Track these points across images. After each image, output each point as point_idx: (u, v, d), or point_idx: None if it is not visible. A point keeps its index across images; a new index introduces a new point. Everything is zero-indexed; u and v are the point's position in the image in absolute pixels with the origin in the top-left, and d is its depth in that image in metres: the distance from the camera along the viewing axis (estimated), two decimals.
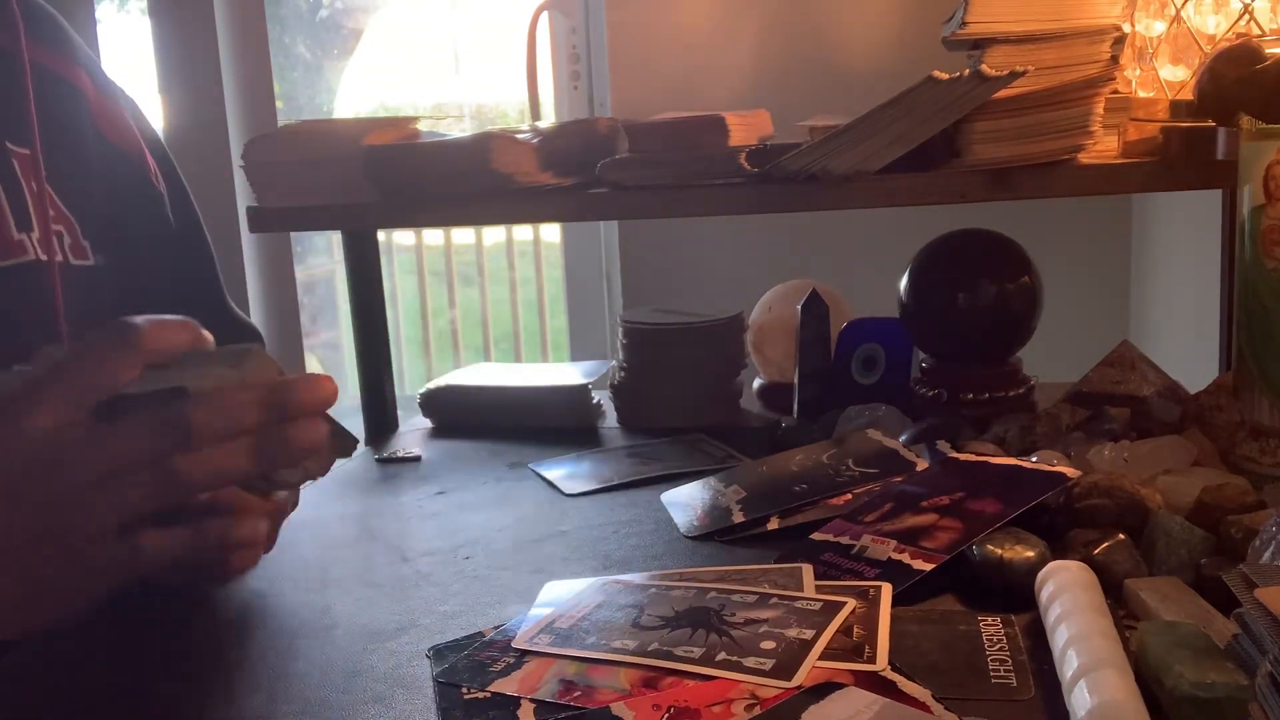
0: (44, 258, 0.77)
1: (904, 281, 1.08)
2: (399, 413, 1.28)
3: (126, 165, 0.87)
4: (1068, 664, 0.54)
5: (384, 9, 2.97)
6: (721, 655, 0.60)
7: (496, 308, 3.27)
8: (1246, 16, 0.99)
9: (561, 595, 0.71)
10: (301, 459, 0.58)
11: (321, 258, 2.92)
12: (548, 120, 1.87)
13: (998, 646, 0.62)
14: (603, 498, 0.94)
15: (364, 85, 2.90)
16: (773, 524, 0.83)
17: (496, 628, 0.67)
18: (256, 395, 0.55)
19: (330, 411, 0.58)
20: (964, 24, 0.96)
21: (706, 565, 0.75)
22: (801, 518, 0.82)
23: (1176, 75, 1.04)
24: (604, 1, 1.86)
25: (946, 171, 0.95)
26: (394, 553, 0.84)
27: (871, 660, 0.59)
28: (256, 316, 1.90)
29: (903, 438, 0.95)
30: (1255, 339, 0.82)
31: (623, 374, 1.21)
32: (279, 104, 1.87)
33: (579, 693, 0.58)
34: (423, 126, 1.16)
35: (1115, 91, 0.98)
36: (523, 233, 3.27)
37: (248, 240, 1.86)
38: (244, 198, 1.75)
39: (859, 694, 0.55)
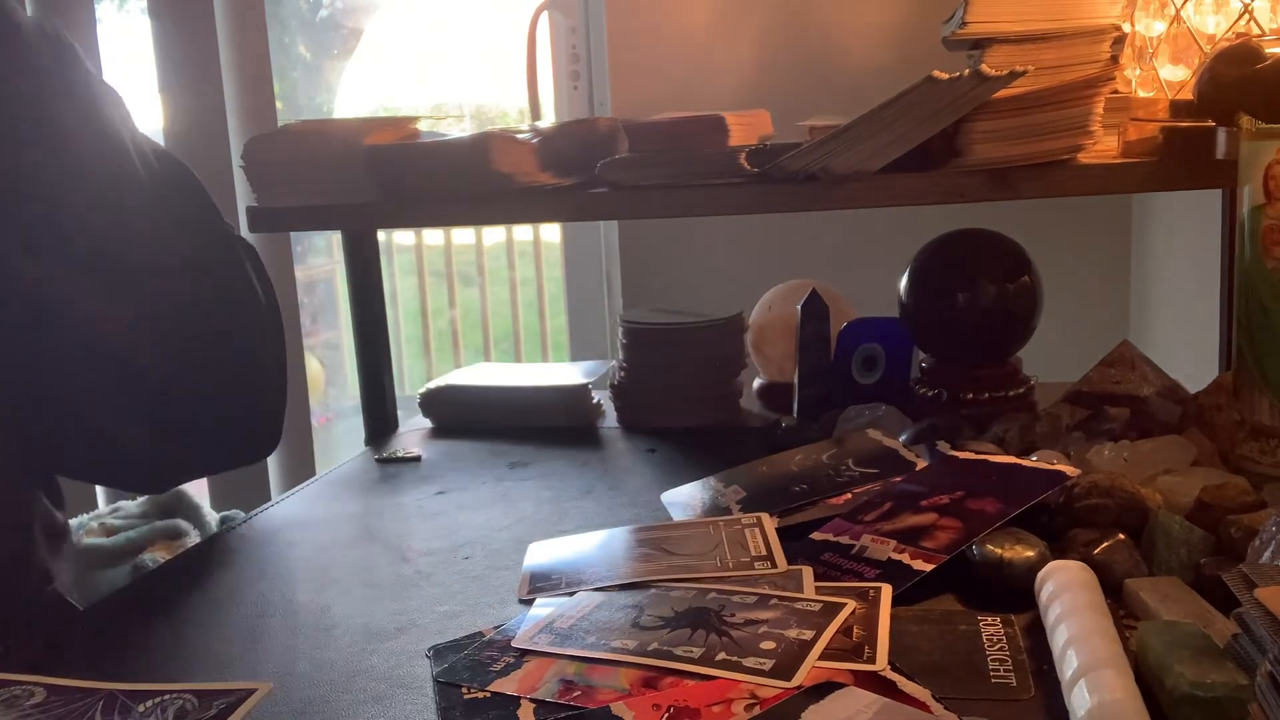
0: None
1: (904, 281, 1.08)
2: (399, 413, 1.28)
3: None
4: (1068, 664, 0.54)
5: (384, 9, 2.97)
6: (721, 655, 0.60)
7: (496, 308, 3.27)
8: (1246, 16, 0.99)
9: (561, 595, 0.71)
10: None
11: (321, 258, 2.92)
12: (548, 120, 1.87)
13: (998, 646, 0.62)
14: (602, 498, 0.94)
15: (364, 85, 2.90)
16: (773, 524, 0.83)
17: (496, 628, 0.67)
18: None
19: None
20: (964, 24, 0.96)
21: None
22: (801, 518, 0.82)
23: (1176, 75, 1.04)
24: (604, 1, 1.86)
25: (946, 171, 0.95)
26: (394, 553, 0.84)
27: (871, 660, 0.59)
28: None
29: (903, 438, 0.95)
30: (1255, 339, 0.82)
31: (623, 374, 1.21)
32: (279, 104, 1.87)
33: (579, 693, 0.58)
34: (423, 126, 1.16)
35: (1115, 91, 0.98)
36: (523, 233, 3.26)
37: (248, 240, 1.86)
38: (244, 198, 1.75)
39: (859, 694, 0.55)
